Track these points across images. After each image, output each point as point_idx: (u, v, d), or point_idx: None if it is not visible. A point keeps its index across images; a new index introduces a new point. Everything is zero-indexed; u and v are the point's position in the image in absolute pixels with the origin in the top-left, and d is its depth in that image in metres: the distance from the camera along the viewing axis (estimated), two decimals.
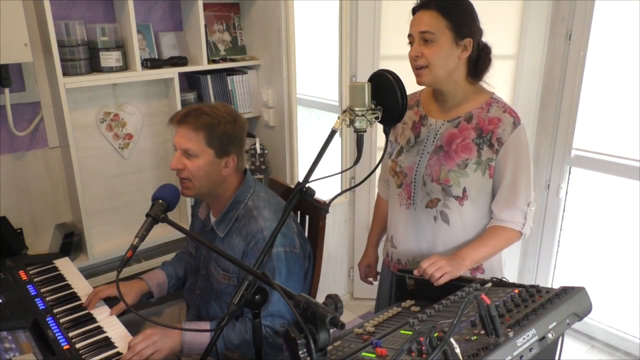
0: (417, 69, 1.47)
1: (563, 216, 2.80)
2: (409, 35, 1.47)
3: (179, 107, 2.26)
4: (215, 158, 1.56)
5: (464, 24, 1.43)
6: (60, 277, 1.79)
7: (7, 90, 1.95)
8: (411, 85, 1.44)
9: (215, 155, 1.55)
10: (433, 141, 1.54)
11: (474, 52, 1.46)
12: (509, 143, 1.46)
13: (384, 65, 1.75)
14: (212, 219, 1.69)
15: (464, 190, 1.50)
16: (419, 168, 1.55)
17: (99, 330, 1.51)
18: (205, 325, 1.59)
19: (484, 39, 1.50)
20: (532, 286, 1.19)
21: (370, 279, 1.89)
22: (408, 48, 1.48)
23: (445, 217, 1.55)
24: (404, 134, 1.63)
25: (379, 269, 1.88)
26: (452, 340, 0.87)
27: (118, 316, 1.59)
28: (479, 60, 1.48)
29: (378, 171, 1.78)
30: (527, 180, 1.50)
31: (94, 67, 2.10)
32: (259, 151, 2.54)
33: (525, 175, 1.49)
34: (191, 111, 1.56)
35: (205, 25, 2.37)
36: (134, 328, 1.54)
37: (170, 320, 1.95)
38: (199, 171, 1.55)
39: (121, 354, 1.41)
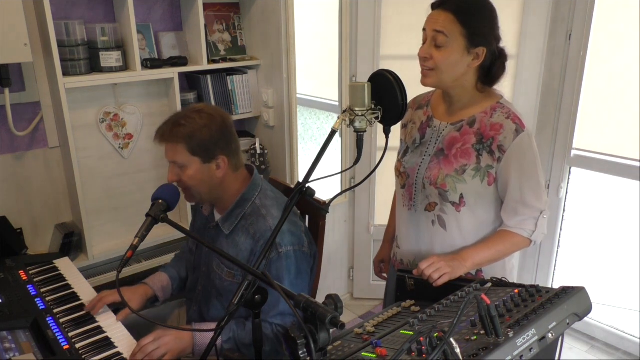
0: (424, 69, 1.45)
1: (563, 216, 2.80)
2: (424, 30, 1.44)
3: (179, 107, 2.26)
4: (203, 164, 1.55)
5: (480, 32, 1.38)
6: (60, 277, 1.79)
7: (7, 90, 1.95)
8: (411, 85, 1.43)
9: (202, 161, 1.55)
10: (435, 143, 1.53)
11: (486, 60, 1.42)
12: (512, 151, 1.41)
13: (384, 65, 1.76)
14: (217, 216, 1.69)
15: (461, 197, 1.47)
16: (420, 170, 1.53)
17: (99, 330, 1.51)
18: (215, 326, 1.58)
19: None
20: (532, 286, 1.18)
21: (385, 275, 1.89)
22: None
23: (442, 222, 1.52)
24: (412, 133, 1.61)
25: None
26: (452, 340, 0.87)
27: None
28: (492, 69, 1.44)
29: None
30: (536, 188, 1.44)
31: (94, 67, 2.10)
32: (259, 151, 2.54)
33: (534, 183, 1.44)
34: (168, 127, 1.55)
35: (205, 25, 2.37)
36: (138, 332, 1.53)
37: (172, 323, 1.94)
38: (192, 180, 1.56)
39: (121, 354, 1.41)
